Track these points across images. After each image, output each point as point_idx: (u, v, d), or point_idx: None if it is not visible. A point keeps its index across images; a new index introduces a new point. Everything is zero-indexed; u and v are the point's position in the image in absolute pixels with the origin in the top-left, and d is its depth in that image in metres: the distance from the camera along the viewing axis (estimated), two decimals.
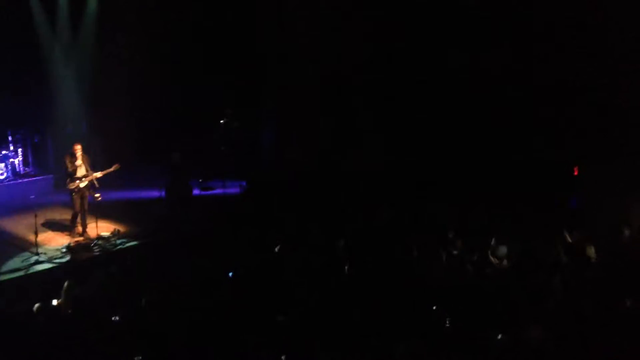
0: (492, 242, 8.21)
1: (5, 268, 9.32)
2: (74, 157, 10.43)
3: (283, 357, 5.55)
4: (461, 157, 12.11)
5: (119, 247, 10.23)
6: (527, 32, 11.27)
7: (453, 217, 9.99)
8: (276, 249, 8.36)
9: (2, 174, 13.13)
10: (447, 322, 6.14)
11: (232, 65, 14.40)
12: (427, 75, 12.39)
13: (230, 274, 7.79)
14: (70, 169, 10.36)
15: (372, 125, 13.11)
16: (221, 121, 14.28)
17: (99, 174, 10.48)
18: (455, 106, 12.22)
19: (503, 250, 8.07)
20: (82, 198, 10.51)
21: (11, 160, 13.45)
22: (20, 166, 13.76)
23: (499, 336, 5.73)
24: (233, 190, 13.36)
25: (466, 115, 12.10)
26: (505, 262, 8.03)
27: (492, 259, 8.10)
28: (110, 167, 10.55)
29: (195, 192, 12.69)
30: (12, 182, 13.28)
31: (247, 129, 14.47)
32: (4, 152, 13.33)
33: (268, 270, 7.76)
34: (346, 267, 7.79)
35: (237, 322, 6.33)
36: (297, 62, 13.90)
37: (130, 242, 10.46)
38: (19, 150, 13.78)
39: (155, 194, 12.27)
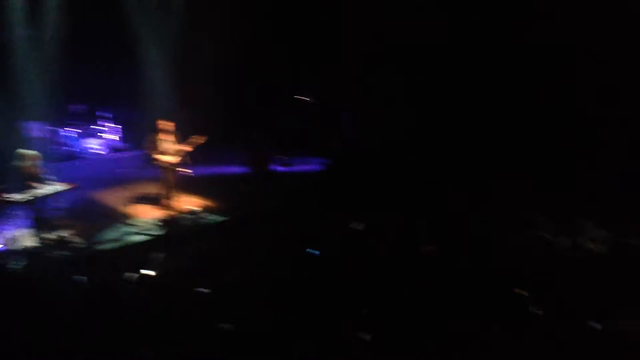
0: (588, 225, 7.87)
1: (103, 238, 9.91)
2: (163, 133, 10.88)
3: (368, 337, 5.61)
4: (549, 139, 11.66)
5: (205, 221, 10.64)
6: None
7: (541, 199, 9.67)
8: (357, 227, 8.42)
9: (99, 149, 13.93)
10: (531, 307, 6.02)
11: (313, 43, 14.46)
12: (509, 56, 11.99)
13: (310, 251, 7.92)
14: (159, 145, 10.83)
15: (456, 104, 12.83)
16: (302, 97, 14.45)
17: (185, 148, 10.90)
18: (543, 87, 11.75)
19: (601, 233, 7.71)
20: (171, 173, 10.98)
21: (108, 136, 14.22)
22: (116, 142, 14.53)
23: (594, 326, 5.52)
24: (314, 167, 13.51)
25: (556, 96, 11.61)
26: (601, 246, 7.68)
27: (587, 243, 7.77)
28: (191, 137, 10.92)
29: (277, 168, 12.92)
30: (108, 156, 14.07)
31: (328, 106, 14.54)
32: (101, 128, 14.12)
33: (349, 248, 7.84)
34: (425, 247, 7.75)
35: (318, 299, 6.47)
36: (379, 36, 13.73)
37: (216, 217, 10.84)
38: (115, 127, 14.54)
39: (240, 170, 12.61)
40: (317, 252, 7.80)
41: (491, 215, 8.96)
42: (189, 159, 10.87)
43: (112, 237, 9.95)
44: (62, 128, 13.76)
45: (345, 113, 14.93)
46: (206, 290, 6.74)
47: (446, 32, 12.66)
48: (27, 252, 9.11)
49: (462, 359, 5.28)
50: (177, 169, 10.94)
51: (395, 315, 6.02)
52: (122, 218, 10.73)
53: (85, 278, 7.46)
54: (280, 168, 13.03)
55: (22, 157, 9.41)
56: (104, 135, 14.11)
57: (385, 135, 13.51)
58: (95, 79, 14.83)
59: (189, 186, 11.24)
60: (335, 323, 5.72)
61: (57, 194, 9.63)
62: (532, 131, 11.89)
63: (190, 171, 10.90)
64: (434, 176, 11.61)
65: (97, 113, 14.38)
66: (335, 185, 12.39)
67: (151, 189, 12.31)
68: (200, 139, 10.88)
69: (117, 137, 14.59)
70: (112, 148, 14.35)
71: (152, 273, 7.99)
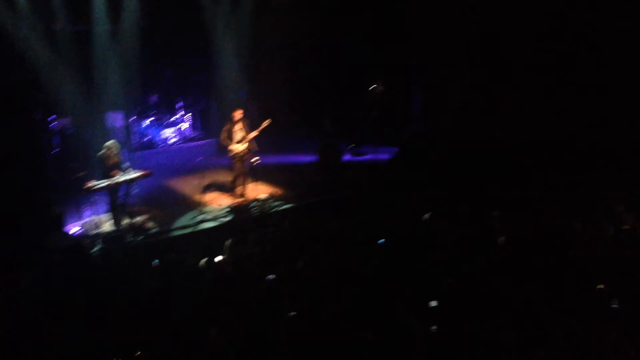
0: None
1: (176, 225, 10.19)
2: (233, 122, 11.03)
3: (434, 328, 5.49)
4: (626, 126, 11.04)
5: (274, 209, 10.72)
6: None
7: (620, 189, 9.16)
8: (426, 217, 8.26)
9: (173, 138, 14.30)
10: (614, 303, 5.68)
11: (382, 30, 14.28)
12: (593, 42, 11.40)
13: (381, 241, 7.83)
14: (232, 135, 10.99)
15: (530, 92, 12.33)
16: (373, 86, 14.32)
17: (254, 133, 11.00)
18: (621, 76, 11.14)
19: None
20: (241, 161, 11.12)
21: (180, 125, 14.59)
22: (188, 130, 14.88)
23: None
24: (384, 156, 13.36)
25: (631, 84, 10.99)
26: None
27: None
28: (261, 124, 11.00)
29: (346, 157, 12.86)
30: (181, 145, 14.43)
31: (398, 95, 14.34)
32: (174, 117, 14.49)
33: (418, 238, 7.69)
34: (500, 239, 7.50)
35: (386, 289, 6.38)
36: (449, 22, 13.38)
37: (285, 204, 10.92)
38: (188, 115, 14.89)
39: (308, 158, 12.63)
40: (382, 241, 7.70)
41: (569, 206, 8.55)
42: (256, 147, 10.97)
43: (184, 223, 10.21)
44: (140, 118, 14.21)
45: (416, 100, 14.69)
46: (272, 277, 6.77)
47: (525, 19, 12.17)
48: (104, 236, 9.49)
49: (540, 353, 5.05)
50: (248, 157, 11.07)
51: (465, 307, 5.84)
52: (193, 205, 10.97)
53: (157, 261, 7.68)
54: (350, 157, 12.95)
55: (106, 146, 9.77)
56: (178, 124, 14.47)
57: (456, 125, 13.20)
58: (171, 69, 15.27)
59: (258, 174, 11.36)
60: (400, 312, 5.61)
61: (134, 181, 9.94)
62: (610, 120, 11.31)
63: (258, 158, 11.00)
64: (508, 166, 11.23)
65: (172, 103, 14.74)
66: (405, 174, 12.22)
67: (222, 177, 12.55)
68: (266, 123, 10.93)
69: (190, 126, 14.92)
70: (186, 137, 14.69)
71: (221, 258, 8.13)
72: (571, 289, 6.02)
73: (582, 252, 6.85)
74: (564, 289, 6.03)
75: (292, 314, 5.87)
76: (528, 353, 4.96)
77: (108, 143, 9.86)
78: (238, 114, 11.01)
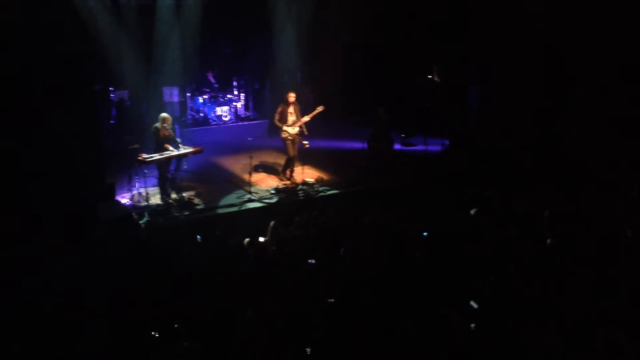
0: None
1: (223, 202, 10.33)
2: (287, 104, 11.06)
3: (472, 325, 5.40)
4: None
5: (320, 194, 10.73)
6: None
7: None
8: (472, 212, 8.10)
9: (226, 116, 14.48)
10: None
11: (443, 19, 14.00)
12: None
13: (425, 234, 7.74)
14: (285, 117, 11.03)
15: (592, 95, 11.89)
16: (428, 77, 14.11)
17: (307, 118, 11.01)
18: None
19: None
20: (293, 144, 11.16)
21: (234, 104, 14.74)
22: (242, 110, 15.03)
23: None
24: (434, 147, 13.18)
25: None
26: None
27: None
28: (315, 110, 11.02)
29: (397, 146, 12.74)
30: (234, 124, 14.60)
31: (454, 86, 14.08)
32: (229, 96, 14.65)
33: (463, 233, 7.56)
34: (549, 240, 7.30)
35: (425, 279, 6.31)
36: (514, 18, 12.98)
37: (331, 190, 10.91)
38: (241, 95, 15.03)
39: (358, 145, 12.57)
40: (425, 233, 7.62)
41: (621, 211, 8.24)
42: (306, 131, 10.98)
43: (230, 201, 10.34)
44: (195, 94, 14.42)
45: (473, 93, 14.36)
46: (313, 261, 6.79)
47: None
48: (151, 209, 9.72)
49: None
50: (299, 140, 11.10)
51: (506, 307, 5.72)
52: (241, 184, 11.10)
53: (199, 237, 7.81)
54: (401, 146, 12.81)
55: (159, 119, 9.97)
56: (232, 103, 14.63)
57: (509, 121, 12.85)
58: (229, 48, 15.43)
59: (308, 158, 11.39)
60: (436, 305, 5.53)
61: (184, 156, 10.11)
62: None
63: (307, 143, 11.03)
64: (561, 165, 10.90)
65: (228, 81, 14.90)
66: (455, 167, 12.02)
67: (271, 158, 12.65)
68: (319, 109, 10.95)
69: (244, 106, 15.07)
70: (239, 116, 14.85)
71: (264, 239, 8.20)
72: (618, 296, 5.80)
73: (631, 258, 6.59)
74: (611, 296, 5.82)
75: (330, 300, 5.86)
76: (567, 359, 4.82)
77: (162, 115, 10.04)
78: (292, 97, 11.04)
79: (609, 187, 9.56)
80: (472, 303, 5.69)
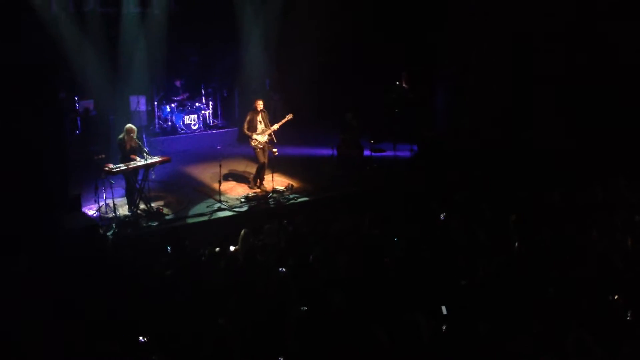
0: None
1: (192, 212, 10.21)
2: (256, 112, 11.01)
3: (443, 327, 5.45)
4: None
5: (291, 201, 10.71)
6: None
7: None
8: (441, 217, 8.17)
9: (194, 125, 14.35)
10: (629, 314, 5.56)
11: (410, 26, 14.16)
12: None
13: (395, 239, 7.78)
14: (254, 124, 10.98)
15: (556, 99, 12.15)
16: (396, 82, 14.23)
17: (275, 127, 11.00)
18: None
19: None
20: (263, 152, 11.11)
21: (203, 112, 14.62)
22: (210, 118, 14.92)
23: None
24: (403, 153, 13.27)
25: None
26: None
27: None
28: (284, 118, 11.00)
29: (366, 152, 12.79)
30: (202, 132, 14.47)
31: (421, 93, 14.22)
32: (197, 104, 14.54)
33: (433, 238, 7.62)
34: (516, 244, 7.40)
35: (398, 287, 6.33)
36: (480, 22, 13.19)
37: (301, 197, 10.89)
38: (210, 103, 14.92)
39: (328, 152, 12.59)
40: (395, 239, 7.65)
41: (588, 213, 8.39)
42: (274, 139, 10.97)
43: (200, 211, 10.24)
44: (162, 103, 14.28)
45: (440, 99, 14.54)
46: (284, 269, 6.75)
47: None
48: (118, 220, 9.56)
49: None
50: (269, 148, 11.07)
51: (477, 310, 5.76)
52: (210, 193, 11.00)
53: (169, 248, 7.71)
54: (370, 153, 12.88)
55: (124, 131, 9.83)
56: (200, 111, 14.51)
57: (476, 126, 13.04)
58: (197, 56, 15.32)
59: (277, 165, 11.36)
60: (407, 309, 5.55)
61: (152, 166, 9.98)
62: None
63: (276, 151, 11.02)
64: (527, 169, 11.07)
65: (196, 90, 14.78)
66: (423, 172, 12.13)
67: (241, 166, 12.57)
68: (289, 117, 10.96)
69: (212, 114, 14.95)
70: (207, 124, 14.74)
71: (235, 248, 8.13)
72: (585, 298, 5.90)
73: (597, 261, 6.71)
74: (577, 299, 5.92)
75: (302, 308, 5.84)
76: None
77: (127, 127, 9.90)
78: (260, 104, 11.01)
79: (577, 187, 9.75)
80: (443, 308, 5.73)
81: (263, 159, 11.11)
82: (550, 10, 11.96)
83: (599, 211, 8.46)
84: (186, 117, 14.21)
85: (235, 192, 11.16)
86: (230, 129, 14.90)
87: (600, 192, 9.16)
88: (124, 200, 10.14)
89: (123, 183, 10.07)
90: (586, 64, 11.79)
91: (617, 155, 11.00)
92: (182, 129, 14.15)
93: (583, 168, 10.64)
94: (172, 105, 14.22)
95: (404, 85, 14.22)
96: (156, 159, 10.02)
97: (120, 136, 9.88)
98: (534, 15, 12.22)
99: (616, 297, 5.90)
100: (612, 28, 11.40)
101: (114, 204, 9.81)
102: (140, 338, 5.25)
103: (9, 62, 8.46)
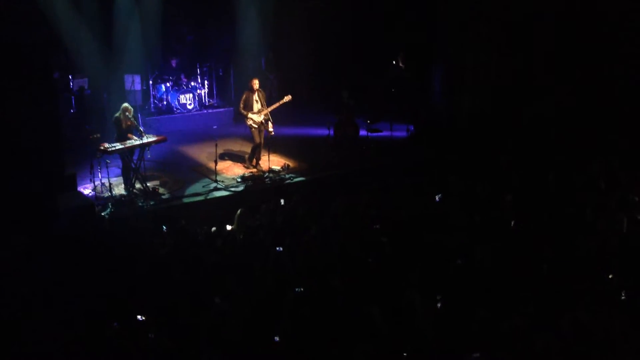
0: None
1: (188, 191, 10.20)
2: (252, 92, 10.96)
3: (439, 297, 5.50)
4: None
5: (287, 181, 10.70)
6: None
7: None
8: (437, 198, 8.19)
9: (190, 104, 14.26)
10: (623, 294, 5.61)
11: (408, 5, 14.06)
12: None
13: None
14: (250, 104, 10.93)
15: (553, 75, 12.11)
16: (393, 62, 14.15)
17: (272, 107, 10.95)
18: None
19: None
20: (259, 131, 11.08)
21: (198, 91, 14.52)
22: (206, 97, 14.82)
23: None
24: (400, 133, 13.24)
25: None
26: None
27: None
28: (280, 97, 10.95)
29: (362, 132, 12.76)
30: (198, 112, 14.39)
31: (418, 71, 14.15)
32: (192, 83, 14.43)
33: (429, 219, 7.63)
34: (512, 223, 7.43)
35: (394, 267, 6.36)
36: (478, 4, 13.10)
37: (298, 177, 10.88)
38: (205, 82, 14.81)
39: (324, 132, 12.55)
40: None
41: (583, 193, 8.41)
42: (272, 119, 10.93)
43: (196, 190, 10.23)
44: (158, 82, 14.17)
45: (436, 77, 14.45)
46: (280, 249, 6.77)
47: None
48: (114, 199, 9.54)
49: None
50: (265, 128, 11.02)
51: (472, 290, 5.80)
52: (207, 173, 10.98)
53: (164, 227, 7.71)
54: (366, 133, 12.85)
55: (121, 109, 9.77)
56: (196, 90, 14.41)
57: (472, 103, 13.00)
58: (192, 35, 15.17)
59: (274, 145, 11.33)
60: (401, 289, 5.59)
61: (148, 145, 9.94)
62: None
63: (272, 130, 10.98)
64: (524, 147, 11.07)
65: (192, 69, 14.66)
66: (420, 153, 12.13)
67: (237, 146, 12.54)
68: (287, 98, 10.92)
69: (208, 93, 14.86)
70: (203, 104, 14.65)
71: (231, 228, 8.15)
72: (580, 278, 5.94)
73: (592, 241, 6.75)
74: (572, 278, 5.96)
75: (298, 289, 5.87)
76: (531, 340, 4.92)
77: (123, 105, 9.85)
78: (256, 83, 10.96)
79: (572, 169, 9.77)
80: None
81: (259, 138, 11.08)
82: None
83: (594, 191, 8.48)
84: (181, 97, 14.11)
85: (232, 171, 11.13)
86: (226, 109, 14.82)
87: (595, 172, 9.17)
88: (120, 179, 10.11)
89: (119, 162, 10.03)
90: (586, 45, 11.74)
91: (612, 135, 11.01)
92: (178, 109, 14.07)
93: (579, 147, 10.66)
94: (168, 84, 14.12)
95: (401, 65, 14.14)
96: (152, 138, 9.98)
97: (117, 114, 9.82)
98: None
99: (611, 276, 5.95)
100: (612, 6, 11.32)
101: (110, 184, 9.78)
102: (139, 317, 5.27)
103: (1, 41, 8.35)
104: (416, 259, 6.49)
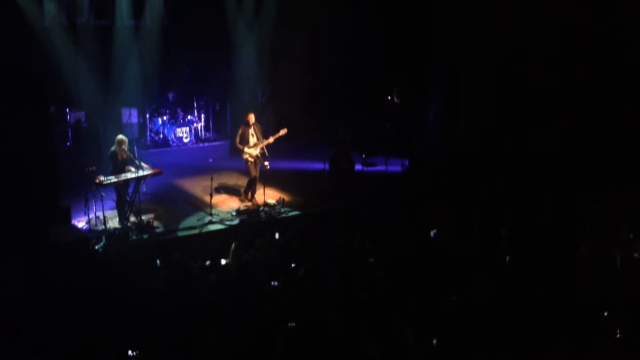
0: None
1: (183, 225, 10.17)
2: (248, 126, 11.02)
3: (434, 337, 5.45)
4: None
5: (282, 215, 10.68)
6: None
7: (633, 214, 8.99)
8: (432, 233, 8.19)
9: (186, 138, 14.32)
10: (619, 332, 5.59)
11: (403, 41, 14.29)
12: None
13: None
14: (246, 138, 10.98)
15: (544, 110, 12.25)
16: (388, 97, 14.32)
17: (270, 140, 11.01)
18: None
19: None
20: (255, 165, 11.10)
21: (195, 125, 14.60)
22: (202, 131, 14.90)
23: None
24: (395, 168, 13.30)
25: None
26: None
27: None
28: (278, 132, 11.02)
29: (357, 167, 12.82)
30: (194, 145, 14.45)
31: (412, 107, 14.31)
32: (189, 117, 14.52)
33: (423, 253, 7.62)
34: (507, 258, 7.42)
35: (389, 302, 6.32)
36: (470, 39, 13.31)
37: (293, 211, 10.87)
38: (202, 115, 14.91)
39: (320, 166, 12.60)
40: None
41: (577, 228, 8.43)
42: (266, 152, 10.98)
43: (191, 224, 10.19)
44: (154, 115, 14.25)
45: (431, 112, 14.62)
46: (275, 283, 6.73)
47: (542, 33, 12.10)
48: (108, 232, 9.49)
49: None
50: (261, 161, 11.06)
51: (468, 324, 5.76)
52: (202, 206, 10.96)
53: (158, 261, 7.66)
54: (362, 167, 12.91)
55: (116, 142, 9.79)
56: (192, 124, 14.49)
57: (467, 139, 13.11)
58: (189, 69, 15.33)
59: (269, 179, 11.35)
60: (401, 325, 5.55)
61: (143, 179, 9.94)
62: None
63: (267, 164, 11.02)
64: (518, 182, 11.12)
65: (188, 102, 14.77)
66: (414, 187, 12.16)
67: (232, 179, 12.55)
68: (283, 131, 10.98)
69: (204, 127, 14.94)
70: (199, 137, 14.72)
71: (226, 262, 8.11)
72: (575, 315, 5.92)
73: (587, 278, 6.74)
74: (567, 315, 5.93)
75: (291, 324, 5.82)
76: None
77: (118, 138, 9.88)
78: (252, 118, 11.03)
79: (566, 202, 9.79)
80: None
81: (255, 172, 11.10)
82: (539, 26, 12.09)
83: (589, 225, 8.49)
84: (178, 130, 14.19)
85: (227, 205, 11.12)
86: (222, 142, 14.88)
87: (590, 205, 9.21)
88: (115, 212, 10.08)
89: (113, 195, 10.01)
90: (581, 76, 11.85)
91: (607, 166, 11.04)
92: (174, 142, 14.13)
93: (574, 179, 10.70)
94: (164, 117, 14.20)
95: (396, 100, 14.31)
96: (147, 171, 9.99)
97: (112, 148, 9.85)
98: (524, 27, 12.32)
99: (606, 314, 5.93)
100: (612, 28, 11.42)
101: (104, 217, 9.75)
102: (130, 352, 5.20)
103: None
104: (410, 294, 6.46)
